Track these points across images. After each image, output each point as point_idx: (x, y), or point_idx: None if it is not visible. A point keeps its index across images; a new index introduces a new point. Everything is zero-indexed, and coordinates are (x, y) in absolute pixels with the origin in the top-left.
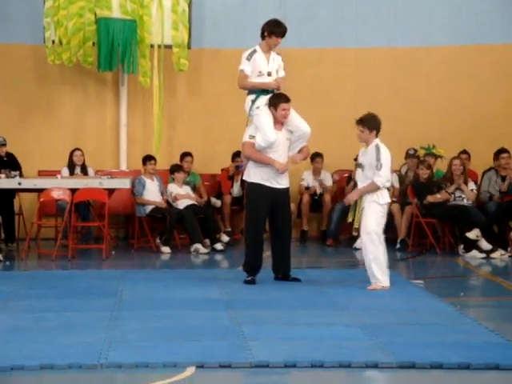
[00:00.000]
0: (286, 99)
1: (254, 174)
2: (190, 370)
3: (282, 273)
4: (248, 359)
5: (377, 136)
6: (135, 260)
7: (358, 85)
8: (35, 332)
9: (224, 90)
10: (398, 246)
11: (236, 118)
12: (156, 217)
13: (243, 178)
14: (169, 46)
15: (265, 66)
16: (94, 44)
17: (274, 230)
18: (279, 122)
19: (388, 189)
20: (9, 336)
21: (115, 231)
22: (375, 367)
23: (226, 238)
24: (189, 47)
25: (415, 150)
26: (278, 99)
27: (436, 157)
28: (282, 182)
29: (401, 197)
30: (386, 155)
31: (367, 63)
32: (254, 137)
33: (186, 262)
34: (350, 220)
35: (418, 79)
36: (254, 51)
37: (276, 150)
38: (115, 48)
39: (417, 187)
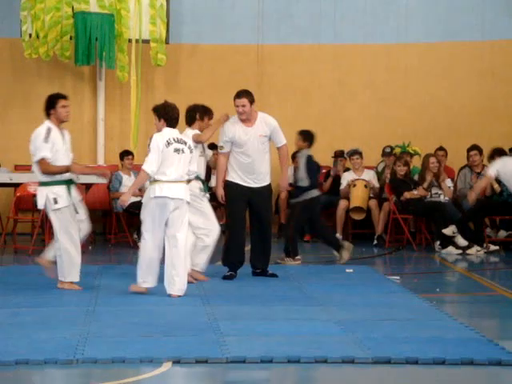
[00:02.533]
0: (237, 95)
1: (231, 174)
2: (167, 366)
3: (261, 268)
4: (224, 355)
5: (168, 126)
6: (112, 255)
7: (336, 81)
8: (10, 327)
9: (202, 86)
10: (375, 241)
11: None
12: (133, 212)
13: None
14: (147, 41)
15: None
16: (71, 38)
17: (254, 225)
18: (243, 120)
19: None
20: None
21: (92, 226)
22: (351, 362)
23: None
24: (167, 42)
25: (392, 148)
26: (235, 95)
27: (412, 154)
28: (258, 182)
29: (378, 193)
30: (155, 141)
31: (345, 59)
32: (222, 147)
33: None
34: None
35: (395, 76)
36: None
37: (246, 148)
38: (93, 42)
39: (394, 184)
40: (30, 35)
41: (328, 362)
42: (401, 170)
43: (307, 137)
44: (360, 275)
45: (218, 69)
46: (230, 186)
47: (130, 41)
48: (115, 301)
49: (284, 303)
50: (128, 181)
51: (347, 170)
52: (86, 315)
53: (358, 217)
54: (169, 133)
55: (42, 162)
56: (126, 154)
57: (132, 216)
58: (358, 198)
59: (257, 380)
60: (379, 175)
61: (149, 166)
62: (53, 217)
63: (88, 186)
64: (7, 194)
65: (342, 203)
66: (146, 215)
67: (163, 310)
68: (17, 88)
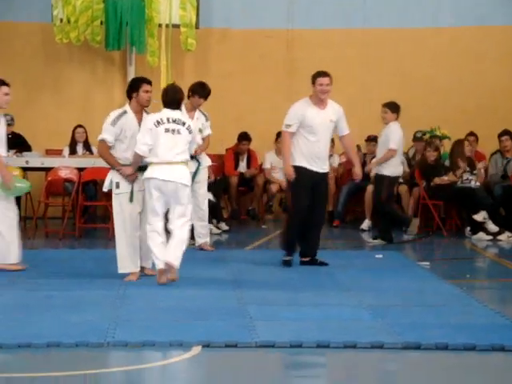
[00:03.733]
0: (321, 74)
1: (297, 157)
2: (196, 350)
3: (311, 256)
4: (254, 339)
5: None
6: None
7: (366, 66)
8: (42, 310)
9: (231, 70)
10: (405, 227)
11: (243, 99)
12: None
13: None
14: (177, 26)
15: None
16: (101, 23)
17: (309, 211)
18: (320, 101)
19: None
20: (16, 314)
21: None
22: (381, 348)
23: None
24: (197, 27)
25: (423, 133)
26: (316, 74)
27: (441, 139)
28: (323, 167)
29: (408, 179)
30: (143, 123)
31: (375, 44)
32: (290, 125)
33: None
34: None
35: (425, 60)
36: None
37: (316, 131)
38: (123, 27)
39: (424, 169)
40: (61, 20)
41: (357, 347)
42: (431, 155)
43: (395, 108)
44: (389, 261)
45: (247, 54)
46: (298, 169)
47: (160, 25)
48: (145, 285)
49: (313, 288)
50: None
51: None
52: (117, 299)
53: None
54: (165, 113)
55: (100, 144)
56: None
57: None
58: None
59: (286, 365)
60: (409, 161)
61: (137, 146)
62: (113, 201)
63: None
64: (38, 178)
65: (370, 188)
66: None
67: (193, 294)
68: (48, 73)
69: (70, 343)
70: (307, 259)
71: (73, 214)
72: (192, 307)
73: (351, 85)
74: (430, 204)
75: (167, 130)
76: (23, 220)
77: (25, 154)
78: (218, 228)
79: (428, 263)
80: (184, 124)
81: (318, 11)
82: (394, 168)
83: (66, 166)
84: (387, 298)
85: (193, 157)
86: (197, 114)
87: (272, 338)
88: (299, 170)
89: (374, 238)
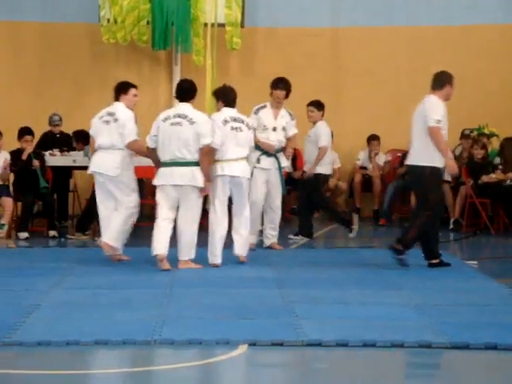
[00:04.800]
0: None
1: (436, 157)
2: (243, 348)
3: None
4: (300, 337)
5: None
6: None
7: (412, 63)
8: (90, 308)
9: (276, 69)
10: (452, 226)
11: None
12: None
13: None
14: (222, 25)
15: (270, 122)
16: (148, 23)
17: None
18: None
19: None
20: (64, 312)
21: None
22: (428, 347)
23: None
24: (242, 26)
25: (471, 131)
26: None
27: (489, 136)
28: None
29: (455, 177)
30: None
31: (420, 41)
32: (440, 121)
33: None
34: None
35: (472, 57)
36: (263, 106)
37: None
38: (169, 27)
39: (471, 167)
40: (108, 20)
41: (404, 346)
42: (478, 153)
43: (321, 106)
44: None
45: (292, 52)
46: (435, 171)
47: (205, 25)
48: (192, 283)
49: (359, 287)
50: None
51: None
52: (164, 297)
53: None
54: (226, 112)
55: (209, 147)
56: None
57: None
58: None
59: (333, 363)
60: (456, 159)
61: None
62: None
63: None
64: (85, 176)
65: None
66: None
67: (239, 293)
68: (95, 72)
69: (117, 341)
70: (437, 261)
71: None
72: (238, 306)
73: (398, 82)
74: (478, 202)
75: (232, 128)
76: (71, 218)
77: (72, 153)
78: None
79: (476, 262)
80: (243, 122)
81: (363, 9)
82: (326, 166)
83: None
84: (435, 298)
85: (272, 155)
86: (282, 112)
87: (318, 337)
88: (437, 171)
89: (295, 235)
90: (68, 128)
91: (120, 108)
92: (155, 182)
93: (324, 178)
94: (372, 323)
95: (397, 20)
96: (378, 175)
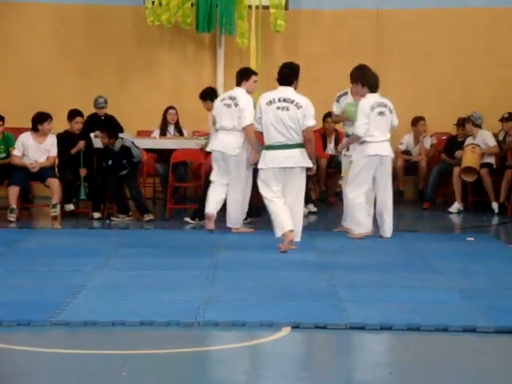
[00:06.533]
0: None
1: None
2: (286, 330)
3: None
4: (344, 321)
5: (371, 91)
6: None
7: (458, 46)
8: (134, 289)
9: (321, 52)
10: (497, 210)
11: (331, 81)
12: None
13: None
14: (266, 7)
15: None
16: (192, 5)
17: None
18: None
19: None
20: (109, 293)
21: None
22: (473, 331)
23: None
24: (286, 8)
25: (510, 114)
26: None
27: None
28: None
29: (500, 161)
30: (360, 108)
31: (467, 24)
32: None
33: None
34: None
35: None
36: (345, 93)
37: None
38: (213, 9)
39: None
40: (153, 2)
41: (449, 330)
42: None
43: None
44: (481, 244)
45: (337, 35)
46: None
47: (249, 7)
48: (235, 266)
49: (403, 270)
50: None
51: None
52: (207, 279)
53: (469, 178)
54: (372, 98)
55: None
56: None
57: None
58: (466, 159)
59: (376, 347)
60: (501, 143)
61: (358, 130)
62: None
63: (208, 152)
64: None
65: (456, 170)
66: (358, 172)
67: (282, 275)
68: (139, 55)
69: (161, 322)
70: None
71: (163, 195)
72: (281, 288)
73: (443, 66)
74: None
75: (380, 113)
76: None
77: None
78: (307, 209)
79: None
80: (386, 106)
81: None
82: None
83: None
84: (479, 282)
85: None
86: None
87: (362, 320)
88: None
89: (192, 218)
90: (112, 111)
91: (241, 93)
92: (261, 165)
93: None
94: (416, 307)
95: (444, 2)
96: (424, 158)
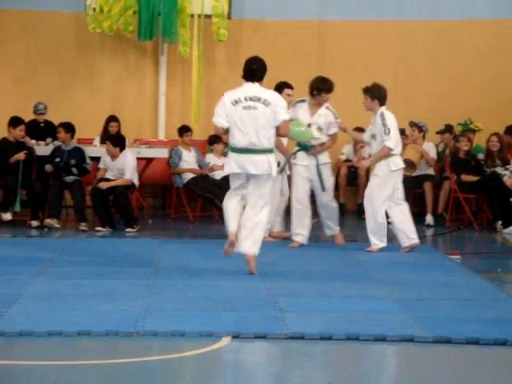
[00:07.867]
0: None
1: None
2: (226, 340)
3: None
4: (283, 330)
5: (381, 105)
6: (172, 230)
7: (399, 58)
8: (73, 299)
9: None
10: (432, 222)
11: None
12: (191, 189)
13: None
14: (209, 16)
15: (306, 118)
16: (134, 12)
17: None
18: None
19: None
20: (46, 302)
21: (152, 200)
22: (411, 341)
23: None
24: (229, 17)
25: (451, 128)
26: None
27: (474, 131)
28: None
29: (438, 172)
30: (391, 120)
31: (408, 36)
32: None
33: (221, 231)
34: None
35: (459, 53)
36: (303, 101)
37: None
38: (155, 17)
39: (455, 163)
40: (94, 9)
41: (387, 340)
42: (465, 145)
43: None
44: (420, 254)
45: (279, 45)
46: None
47: (192, 16)
48: (175, 275)
49: (343, 280)
50: (188, 156)
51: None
52: (146, 288)
53: (407, 172)
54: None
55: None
56: (184, 131)
57: (191, 192)
58: (406, 154)
59: (315, 356)
60: (440, 155)
61: (391, 143)
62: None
63: (149, 160)
64: None
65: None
66: (382, 187)
67: (223, 285)
68: (80, 62)
69: (100, 332)
70: None
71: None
72: (221, 298)
73: (384, 77)
74: (462, 197)
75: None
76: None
77: (56, 142)
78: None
79: (459, 257)
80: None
81: (351, 2)
82: None
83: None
84: (417, 291)
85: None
86: (322, 110)
87: (301, 330)
88: None
89: (129, 227)
90: (52, 117)
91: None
92: (226, 169)
93: None
94: (355, 317)
95: (385, 14)
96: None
